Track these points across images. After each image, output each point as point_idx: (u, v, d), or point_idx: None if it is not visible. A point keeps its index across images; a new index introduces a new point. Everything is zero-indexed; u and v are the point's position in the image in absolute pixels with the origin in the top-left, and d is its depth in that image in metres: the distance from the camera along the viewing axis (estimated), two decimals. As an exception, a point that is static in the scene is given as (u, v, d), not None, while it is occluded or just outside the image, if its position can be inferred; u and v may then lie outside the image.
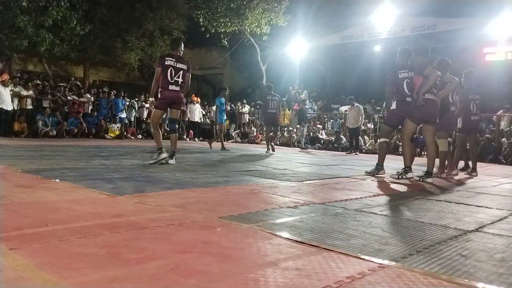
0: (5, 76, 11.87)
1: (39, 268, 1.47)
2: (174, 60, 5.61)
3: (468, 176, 6.32)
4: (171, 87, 5.57)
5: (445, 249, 2.00)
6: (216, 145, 10.91)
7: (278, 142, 15.35)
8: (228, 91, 25.66)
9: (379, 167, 5.48)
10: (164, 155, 5.55)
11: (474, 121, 6.51)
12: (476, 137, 7.18)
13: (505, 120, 12.32)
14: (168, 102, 5.71)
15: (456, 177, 5.89)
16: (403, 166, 5.26)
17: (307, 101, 18.08)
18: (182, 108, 16.56)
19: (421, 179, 5.04)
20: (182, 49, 5.85)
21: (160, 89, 5.63)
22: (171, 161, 5.63)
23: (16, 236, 1.84)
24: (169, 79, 5.53)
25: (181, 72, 5.63)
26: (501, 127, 11.94)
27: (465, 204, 3.52)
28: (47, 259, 1.58)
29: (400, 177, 5.09)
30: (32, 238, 1.83)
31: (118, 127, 14.44)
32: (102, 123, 13.94)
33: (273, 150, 10.32)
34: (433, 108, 5.12)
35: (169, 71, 5.53)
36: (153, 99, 5.45)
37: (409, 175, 5.08)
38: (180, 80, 5.62)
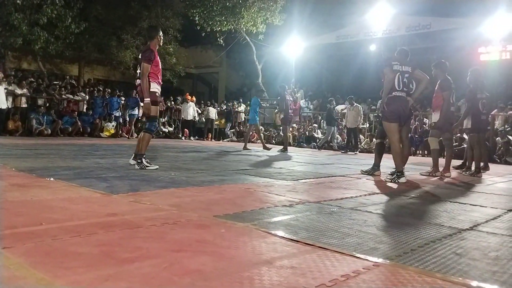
0: None
1: (33, 267, 1.46)
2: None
3: (472, 175, 6.28)
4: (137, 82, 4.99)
5: (439, 247, 2.01)
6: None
7: (274, 141, 15.37)
8: (224, 90, 25.70)
9: (375, 167, 5.48)
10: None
11: (483, 121, 6.50)
12: (485, 136, 7.17)
13: (499, 120, 12.39)
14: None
15: (450, 178, 5.90)
16: (396, 170, 4.98)
17: (303, 100, 18.10)
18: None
19: (392, 181, 4.80)
20: (154, 37, 4.99)
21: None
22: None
23: (9, 235, 1.83)
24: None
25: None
26: (495, 127, 12.00)
27: (460, 203, 3.54)
28: (40, 258, 1.57)
29: (393, 181, 4.88)
30: (25, 237, 1.82)
31: (113, 125, 14.38)
32: (97, 121, 13.87)
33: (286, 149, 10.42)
34: (401, 105, 4.89)
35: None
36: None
37: (401, 180, 4.75)
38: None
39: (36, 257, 1.57)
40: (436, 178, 5.60)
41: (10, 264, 1.49)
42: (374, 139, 5.88)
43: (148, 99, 4.77)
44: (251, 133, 13.01)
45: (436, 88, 5.77)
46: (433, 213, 2.99)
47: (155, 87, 4.86)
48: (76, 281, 1.37)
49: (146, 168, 4.82)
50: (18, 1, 13.67)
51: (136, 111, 14.48)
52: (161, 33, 5.16)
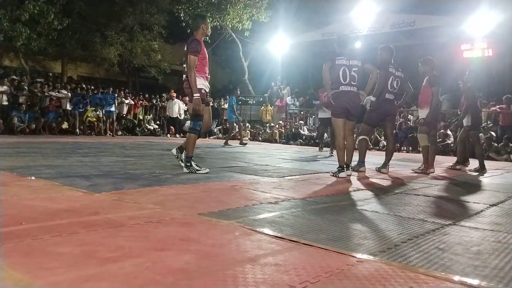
0: None
1: (11, 268, 1.43)
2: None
3: (470, 171, 6.40)
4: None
5: (422, 242, 2.03)
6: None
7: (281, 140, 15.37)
8: (211, 86, 25.65)
9: (360, 163, 5.54)
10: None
11: (480, 118, 6.64)
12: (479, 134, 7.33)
13: (482, 116, 12.58)
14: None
15: (433, 174, 5.95)
16: (338, 165, 4.87)
17: (289, 97, 18.12)
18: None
19: (334, 175, 4.81)
20: (198, 27, 4.50)
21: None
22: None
23: (-13, 236, 1.79)
24: None
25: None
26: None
27: (443, 198, 3.58)
28: (19, 258, 1.54)
29: (334, 175, 4.76)
30: (5, 237, 1.78)
31: (98, 114, 14.13)
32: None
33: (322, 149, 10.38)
34: (348, 100, 4.80)
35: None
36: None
37: (341, 174, 4.70)
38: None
39: (15, 258, 1.54)
40: (428, 175, 5.60)
41: (-12, 266, 1.45)
42: (358, 137, 5.87)
43: (198, 95, 4.33)
44: (236, 130, 13.13)
45: (423, 84, 5.81)
46: (417, 208, 3.01)
47: (201, 83, 4.42)
48: (56, 281, 1.34)
49: (197, 172, 4.43)
50: (-2, -3, 13.41)
51: (113, 108, 14.27)
52: (207, 21, 4.74)
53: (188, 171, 4.46)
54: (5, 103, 12.33)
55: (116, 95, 15.16)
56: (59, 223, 2.05)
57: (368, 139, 5.84)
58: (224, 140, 11.57)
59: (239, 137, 12.47)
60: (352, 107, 4.82)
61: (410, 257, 1.77)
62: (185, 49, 4.44)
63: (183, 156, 4.70)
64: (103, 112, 14.18)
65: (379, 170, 5.53)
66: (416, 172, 5.76)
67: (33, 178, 3.51)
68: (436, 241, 2.07)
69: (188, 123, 16.37)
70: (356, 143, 5.62)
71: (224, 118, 18.40)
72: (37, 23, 14.57)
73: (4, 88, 12.37)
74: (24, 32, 13.94)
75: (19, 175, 3.65)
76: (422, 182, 4.75)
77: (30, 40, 14.43)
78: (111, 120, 14.38)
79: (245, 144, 11.31)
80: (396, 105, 5.74)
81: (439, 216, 2.74)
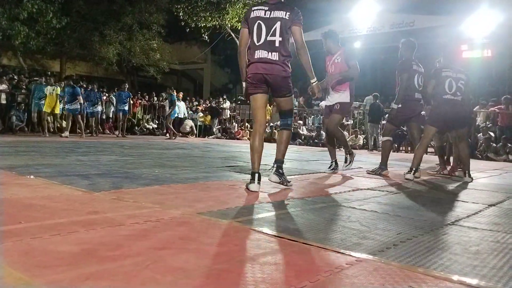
0: None
1: (11, 267, 1.43)
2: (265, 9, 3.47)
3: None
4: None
5: (422, 242, 2.03)
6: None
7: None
8: (209, 87, 25.60)
9: (383, 166, 5.22)
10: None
11: None
12: None
13: (481, 116, 12.60)
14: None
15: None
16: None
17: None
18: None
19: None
20: None
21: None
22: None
23: (-14, 234, 1.78)
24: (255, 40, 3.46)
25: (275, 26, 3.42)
26: (477, 123, 12.20)
27: (442, 199, 3.59)
28: (18, 257, 1.53)
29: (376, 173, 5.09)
30: (3, 236, 1.77)
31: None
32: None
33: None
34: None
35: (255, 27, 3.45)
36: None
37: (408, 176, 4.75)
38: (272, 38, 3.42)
39: (14, 257, 1.53)
40: (444, 175, 5.56)
41: (-13, 264, 1.45)
42: (381, 138, 5.65)
43: (316, 79, 3.82)
44: (235, 129, 13.26)
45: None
46: (416, 208, 3.02)
47: None
48: (56, 280, 1.34)
49: (288, 184, 3.70)
50: (-4, -5, 13.39)
51: (99, 108, 13.17)
52: None
53: (280, 180, 3.68)
54: (3, 102, 12.31)
55: (102, 94, 14.43)
56: (58, 222, 2.05)
57: (392, 141, 5.63)
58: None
59: (245, 138, 13.00)
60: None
61: (409, 256, 1.78)
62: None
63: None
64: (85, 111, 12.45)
65: (379, 173, 5.16)
66: (432, 175, 5.61)
67: (32, 177, 3.51)
68: (435, 241, 2.07)
69: (188, 123, 16.59)
70: (380, 144, 5.56)
71: (224, 117, 18.44)
72: (35, 22, 14.56)
73: (3, 87, 12.35)
74: (22, 31, 13.93)
75: (18, 174, 3.65)
76: (420, 183, 4.75)
77: (28, 38, 14.42)
78: (95, 120, 13.22)
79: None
80: (422, 105, 5.40)
81: (438, 215, 2.75)
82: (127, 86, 13.83)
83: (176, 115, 14.03)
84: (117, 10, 17.87)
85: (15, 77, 14.20)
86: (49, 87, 11.55)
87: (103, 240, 1.80)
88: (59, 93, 11.53)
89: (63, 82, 12.58)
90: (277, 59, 3.44)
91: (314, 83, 3.83)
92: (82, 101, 11.44)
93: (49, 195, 2.77)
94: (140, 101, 16.93)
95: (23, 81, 13.67)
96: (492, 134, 11.14)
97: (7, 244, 1.67)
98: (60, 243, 1.73)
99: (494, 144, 10.65)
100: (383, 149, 5.47)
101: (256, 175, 3.38)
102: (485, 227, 2.46)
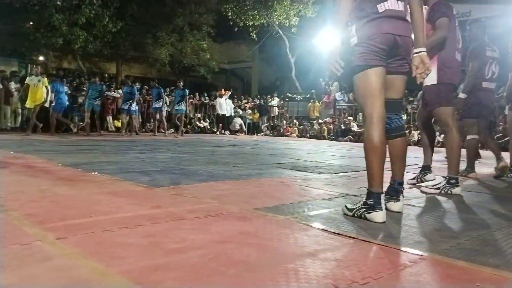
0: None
1: (86, 257, 1.53)
2: None
3: None
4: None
5: (488, 241, 1.95)
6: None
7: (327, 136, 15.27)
8: (257, 84, 25.73)
9: (469, 169, 4.73)
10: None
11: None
12: None
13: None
14: None
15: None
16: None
17: (339, 93, 17.84)
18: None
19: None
20: None
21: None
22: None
23: (62, 227, 1.92)
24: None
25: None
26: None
27: (507, 197, 3.40)
28: (92, 248, 1.64)
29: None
30: (76, 228, 1.90)
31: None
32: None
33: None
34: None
35: None
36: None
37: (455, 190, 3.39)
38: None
39: (88, 248, 1.64)
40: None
41: (65, 254, 1.56)
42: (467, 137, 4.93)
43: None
44: (284, 127, 13.14)
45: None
46: (478, 206, 2.89)
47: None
48: (128, 270, 1.42)
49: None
50: (58, 2, 14.20)
51: (160, 104, 12.91)
52: None
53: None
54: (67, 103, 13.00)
55: (168, 93, 14.98)
56: (125, 216, 2.17)
57: (478, 139, 4.89)
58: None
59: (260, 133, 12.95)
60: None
61: (475, 255, 1.71)
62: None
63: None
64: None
65: (465, 175, 4.60)
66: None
67: (97, 173, 3.71)
68: (503, 240, 1.98)
69: (237, 120, 16.76)
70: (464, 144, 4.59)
71: (272, 115, 18.49)
72: (93, 27, 15.35)
73: (65, 89, 13.07)
74: (81, 35, 14.75)
75: (84, 171, 3.87)
76: (484, 181, 4.53)
77: (87, 42, 15.23)
78: (159, 117, 13.16)
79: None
80: (494, 96, 4.88)
81: (507, 213, 2.61)
82: (182, 84, 13.37)
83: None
84: (169, 13, 18.38)
85: (76, 79, 15.01)
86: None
87: (167, 233, 1.88)
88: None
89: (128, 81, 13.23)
90: (405, 13, 2.42)
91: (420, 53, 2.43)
92: (137, 100, 12.16)
93: (114, 191, 2.93)
94: (191, 100, 17.35)
95: (83, 83, 14.42)
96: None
97: (80, 236, 1.79)
98: (128, 235, 1.83)
99: None
100: (467, 149, 4.79)
101: (382, 197, 2.33)
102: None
